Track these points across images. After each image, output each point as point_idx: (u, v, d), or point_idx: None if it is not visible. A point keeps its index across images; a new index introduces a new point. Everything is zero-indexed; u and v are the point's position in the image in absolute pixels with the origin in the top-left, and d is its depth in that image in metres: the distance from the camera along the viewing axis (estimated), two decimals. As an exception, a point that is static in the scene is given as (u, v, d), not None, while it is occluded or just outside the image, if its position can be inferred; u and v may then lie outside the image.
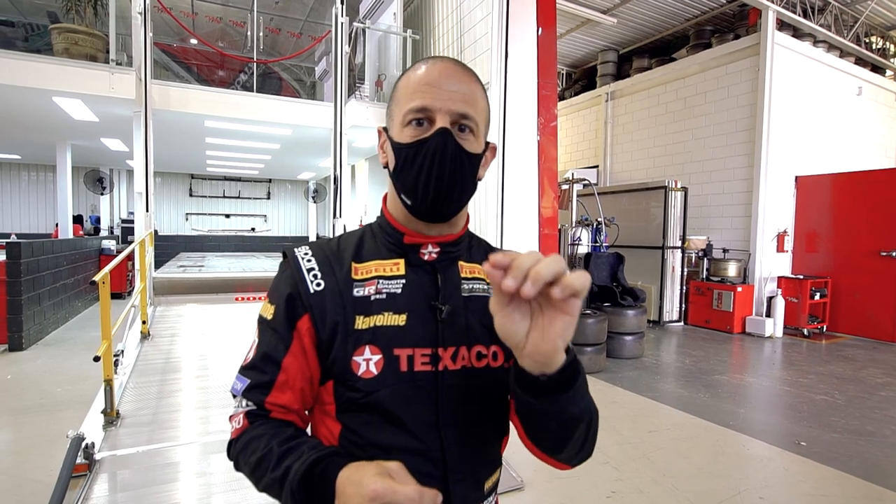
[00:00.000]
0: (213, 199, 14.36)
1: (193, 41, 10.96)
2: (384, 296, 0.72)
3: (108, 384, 3.11)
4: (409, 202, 0.73)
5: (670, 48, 9.92)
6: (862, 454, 3.30)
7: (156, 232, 13.32)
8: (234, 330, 5.51)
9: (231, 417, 0.72)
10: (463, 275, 0.78)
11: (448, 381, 0.72)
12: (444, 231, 0.77)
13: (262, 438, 0.67)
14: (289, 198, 15.27)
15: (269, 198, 15.02)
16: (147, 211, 6.22)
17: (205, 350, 4.87)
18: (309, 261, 0.74)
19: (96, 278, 2.88)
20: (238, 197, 14.64)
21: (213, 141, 8.47)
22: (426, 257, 0.76)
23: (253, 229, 14.84)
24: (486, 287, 0.78)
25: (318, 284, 0.72)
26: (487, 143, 0.78)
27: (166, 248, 12.81)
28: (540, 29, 5.75)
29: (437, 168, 0.69)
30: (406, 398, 0.70)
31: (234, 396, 0.73)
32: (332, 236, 0.87)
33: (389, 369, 0.70)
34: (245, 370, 0.73)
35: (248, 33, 7.97)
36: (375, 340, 0.70)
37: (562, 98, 12.06)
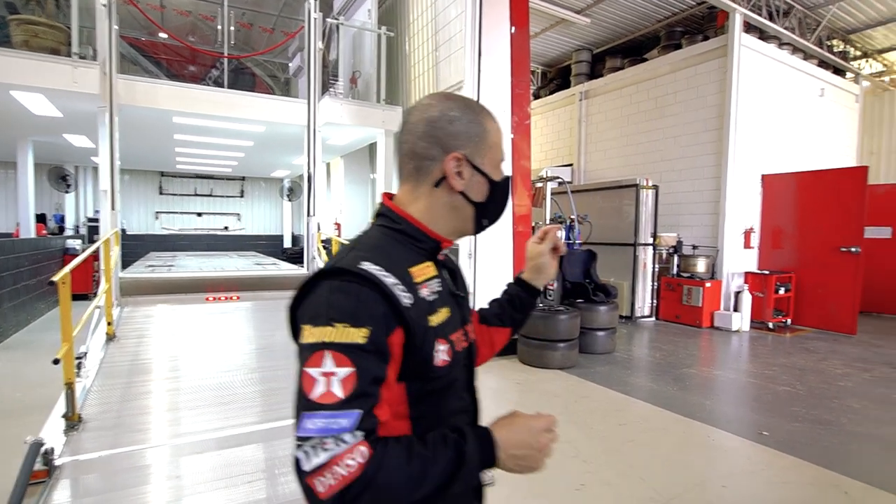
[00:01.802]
0: (184, 197, 14.05)
1: (163, 35, 10.70)
2: (436, 295, 0.83)
3: (70, 387, 3.02)
4: (486, 223, 0.92)
5: (642, 48, 10.10)
6: (820, 442, 3.42)
7: (124, 231, 12.98)
8: (206, 330, 5.41)
9: (326, 466, 0.63)
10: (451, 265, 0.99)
11: (474, 347, 0.96)
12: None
13: (400, 455, 0.68)
14: (263, 196, 15.05)
15: (242, 196, 14.77)
16: (113, 209, 6.06)
17: (174, 351, 4.76)
18: (387, 276, 0.75)
19: (55, 278, 2.79)
20: (210, 195, 14.35)
21: (182, 138, 8.29)
22: (441, 257, 0.92)
23: (226, 228, 14.58)
24: (456, 267, 1.02)
25: (409, 298, 0.76)
26: None
27: (135, 247, 12.48)
28: (513, 28, 5.79)
29: (507, 201, 0.94)
30: (459, 369, 0.88)
31: (325, 439, 0.64)
32: (357, 244, 0.84)
33: (454, 354, 0.84)
34: (347, 403, 0.66)
35: (219, 27, 7.80)
36: (443, 333, 0.82)
37: (537, 97, 12.15)
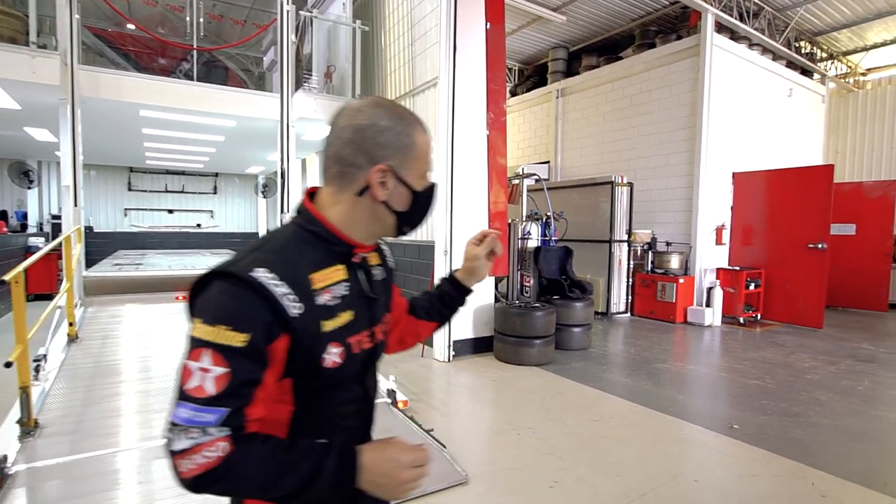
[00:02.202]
0: (154, 193, 13.67)
1: (131, 27, 10.35)
2: (339, 300, 0.85)
3: (25, 391, 2.88)
4: (406, 230, 0.94)
5: (618, 47, 10.19)
6: (788, 435, 3.49)
7: (91, 229, 12.57)
8: (175, 330, 5.25)
9: (188, 452, 0.69)
10: (371, 264, 1.00)
11: (379, 348, 0.99)
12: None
13: (259, 456, 0.72)
14: (237, 193, 14.74)
15: (215, 193, 14.44)
16: (76, 205, 5.84)
17: (141, 352, 4.61)
18: (278, 286, 0.76)
19: (7, 277, 2.65)
20: (182, 191, 14.00)
21: (150, 132, 8.04)
22: (356, 259, 0.93)
23: (199, 225, 14.24)
24: (381, 271, 1.04)
25: (298, 308, 0.78)
26: None
27: (103, 245, 12.10)
28: (489, 24, 5.76)
29: (429, 211, 0.96)
30: (352, 369, 0.89)
31: (190, 429, 0.70)
32: (265, 243, 0.85)
33: (347, 356, 0.86)
34: (215, 400, 0.71)
35: (188, 18, 7.58)
36: (337, 338, 0.84)
37: (514, 94, 12.17)
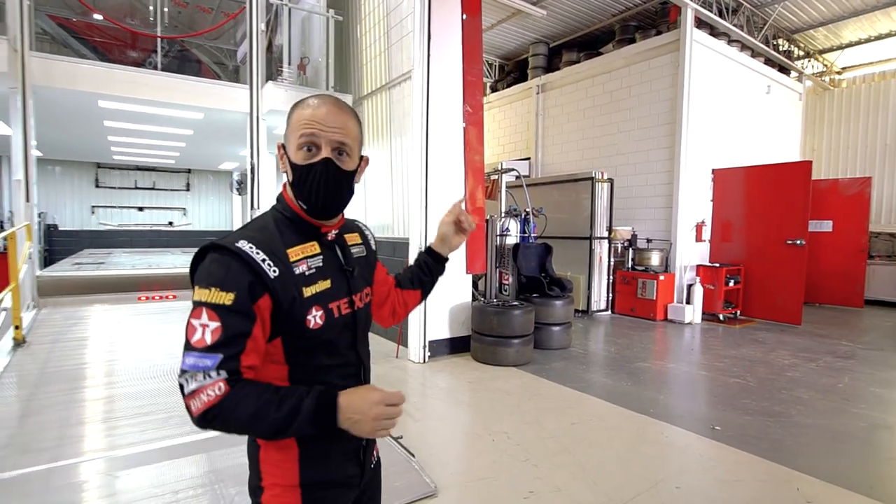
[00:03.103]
0: (123, 190, 13.20)
1: (97, 17, 9.90)
2: (314, 270, 1.01)
3: (-54, 403, 2.60)
4: (304, 207, 1.02)
5: (598, 43, 10.10)
6: (770, 436, 3.38)
7: (55, 227, 12.07)
8: (134, 332, 4.97)
9: (196, 392, 0.83)
10: (350, 243, 1.16)
11: (360, 314, 1.11)
12: (335, 219, 1.09)
13: (251, 395, 0.85)
14: (211, 189, 14.33)
15: (188, 189, 14.01)
16: (28, 201, 5.50)
17: (94, 356, 4.32)
18: (258, 254, 0.92)
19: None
20: (153, 188, 13.55)
21: (113, 125, 7.68)
22: (329, 237, 1.08)
23: (170, 223, 13.80)
24: (360, 248, 1.20)
25: (275, 271, 0.93)
26: (361, 157, 1.08)
27: (68, 244, 11.62)
28: (465, 15, 5.57)
29: (322, 188, 0.99)
30: (338, 332, 1.04)
31: (196, 373, 0.84)
32: (249, 225, 1.04)
33: (329, 318, 1.01)
34: (213, 348, 0.85)
35: (152, 7, 7.24)
36: (318, 302, 0.99)
37: (494, 89, 12.02)
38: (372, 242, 1.27)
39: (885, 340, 6.60)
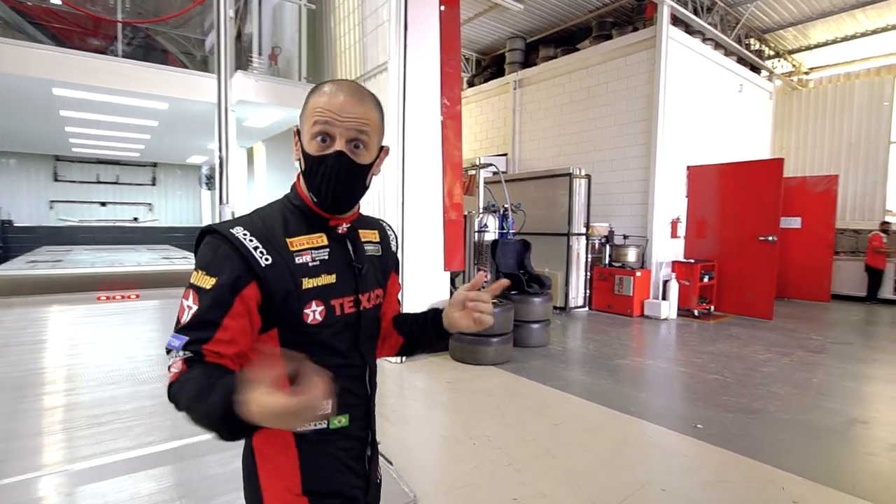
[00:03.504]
0: (84, 184, 12.58)
1: (56, 0, 9.37)
2: (318, 262, 0.95)
3: None
4: (315, 199, 0.97)
5: (575, 39, 10.07)
6: (752, 433, 3.36)
7: (10, 222, 11.44)
8: (90, 336, 4.67)
9: (169, 367, 0.84)
10: (364, 240, 1.08)
11: (366, 316, 1.04)
12: (347, 213, 1.02)
13: (195, 380, 0.81)
14: (178, 184, 13.81)
15: (154, 184, 13.47)
16: (-26, 195, 5.11)
17: (48, 362, 4.03)
18: (251, 240, 0.89)
19: None
20: (116, 183, 12.96)
21: (71, 115, 7.26)
22: (340, 231, 1.01)
23: (135, 219, 13.26)
24: (376, 247, 1.11)
25: (267, 259, 0.89)
26: (381, 148, 1.00)
27: (25, 241, 11.00)
28: (442, 6, 5.43)
29: (333, 181, 0.94)
30: (338, 332, 0.98)
31: (169, 351, 0.85)
32: (254, 212, 1.00)
33: (329, 315, 0.96)
34: (184, 329, 0.85)
35: (111, -10, 6.86)
36: (319, 296, 0.94)
37: (471, 84, 11.90)
38: (392, 244, 1.18)
39: (851, 334, 6.76)
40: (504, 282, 1.18)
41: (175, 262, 7.65)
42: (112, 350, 4.36)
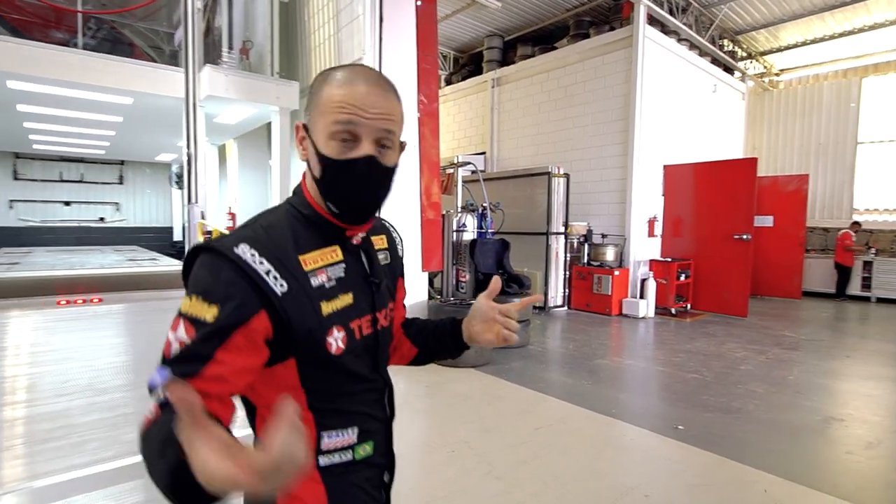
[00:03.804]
0: (46, 183, 12.07)
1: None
2: (335, 281, 0.82)
3: None
4: (334, 210, 0.82)
5: (553, 37, 10.06)
6: (733, 433, 3.34)
7: (-35, 223, 10.87)
8: (47, 342, 4.42)
9: (151, 406, 0.68)
10: (376, 248, 0.96)
11: (383, 336, 0.92)
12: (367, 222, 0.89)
13: (159, 431, 0.63)
14: (147, 183, 13.36)
15: (121, 182, 13.00)
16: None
17: (-2, 371, 3.78)
18: (262, 263, 0.74)
19: None
20: (81, 181, 12.46)
21: (28, 109, 6.91)
22: (355, 241, 0.88)
23: (102, 219, 12.78)
24: (385, 255, 0.99)
25: (282, 286, 0.75)
26: (401, 143, 0.86)
27: (-18, 242, 10.50)
28: (419, 1, 5.31)
29: (363, 191, 0.81)
30: (358, 356, 0.86)
31: (151, 390, 0.69)
32: (254, 221, 0.82)
33: (351, 340, 0.83)
34: (167, 363, 0.70)
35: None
36: (339, 320, 0.81)
37: (449, 82, 11.80)
38: (400, 249, 1.05)
39: (823, 331, 6.88)
40: (536, 297, 1.15)
41: (141, 263, 7.36)
42: (69, 358, 4.12)
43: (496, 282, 0.98)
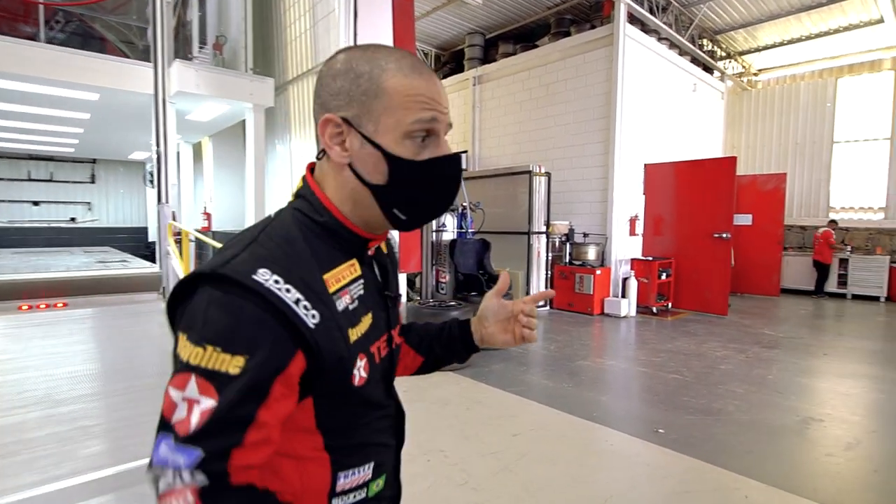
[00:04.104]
0: (13, 182, 11.68)
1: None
2: (357, 302, 0.71)
3: None
4: (403, 217, 0.71)
5: (534, 35, 10.01)
6: (714, 436, 3.30)
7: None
8: (10, 349, 4.22)
9: (166, 494, 0.54)
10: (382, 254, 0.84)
11: (397, 354, 0.84)
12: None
13: None
14: (121, 182, 13.01)
15: (93, 181, 12.64)
16: None
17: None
18: (289, 290, 0.61)
19: None
20: (50, 180, 12.09)
21: (-12, 105, 6.63)
22: (370, 252, 0.77)
23: (73, 219, 12.40)
24: (388, 261, 0.85)
25: (314, 317, 0.62)
26: None
27: (-56, 243, 10.10)
28: (396, -6, 5.19)
29: (450, 191, 0.73)
30: (378, 382, 0.75)
31: (166, 470, 0.54)
32: (259, 234, 0.66)
33: (371, 367, 0.72)
34: (193, 439, 0.55)
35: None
36: (363, 347, 0.71)
37: (430, 80, 11.68)
38: (396, 250, 0.96)
39: (801, 328, 6.94)
40: (549, 292, 1.08)
41: (110, 265, 7.11)
42: (27, 367, 3.93)
43: (505, 279, 0.92)
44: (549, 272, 8.02)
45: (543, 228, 7.83)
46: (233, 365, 0.57)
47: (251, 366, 0.57)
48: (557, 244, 8.18)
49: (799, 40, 10.49)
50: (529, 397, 4.02)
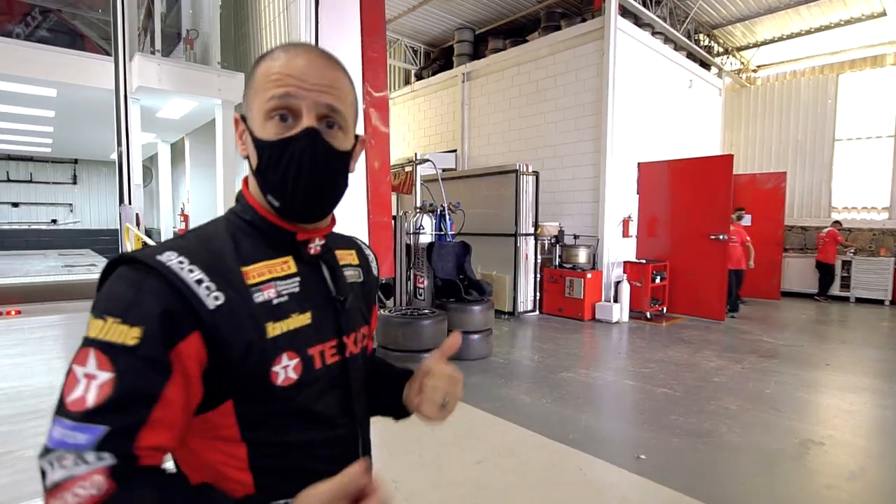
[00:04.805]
0: (-9, 183, 11.40)
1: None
2: (286, 297, 0.69)
3: None
4: (276, 204, 0.69)
5: (524, 30, 9.70)
6: (702, 462, 2.96)
7: None
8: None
9: (60, 487, 0.50)
10: (342, 263, 0.82)
11: (353, 364, 0.78)
12: (320, 224, 0.75)
13: (149, 499, 0.52)
14: (103, 183, 12.72)
15: (75, 182, 12.35)
16: None
17: None
18: (192, 271, 0.61)
19: None
20: (30, 181, 11.79)
21: (-55, 102, 6.32)
22: (312, 251, 0.75)
23: (54, 221, 12.10)
24: (356, 272, 0.85)
25: (217, 298, 0.62)
26: (357, 137, 0.76)
27: (-83, 247, 9.80)
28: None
29: (306, 172, 0.68)
30: (322, 391, 0.71)
31: (64, 454, 0.51)
32: (188, 233, 0.69)
33: (307, 370, 0.69)
34: (93, 415, 0.52)
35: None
36: (291, 345, 0.67)
37: (419, 77, 11.38)
38: (374, 267, 0.92)
39: (803, 335, 6.58)
40: (455, 341, 0.85)
41: (75, 270, 6.79)
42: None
43: (455, 338, 0.84)
44: (538, 276, 7.68)
45: (532, 230, 7.49)
46: (130, 336, 0.56)
47: (148, 335, 0.56)
48: (547, 246, 7.84)
49: (799, 35, 10.15)
50: (503, 415, 3.68)
